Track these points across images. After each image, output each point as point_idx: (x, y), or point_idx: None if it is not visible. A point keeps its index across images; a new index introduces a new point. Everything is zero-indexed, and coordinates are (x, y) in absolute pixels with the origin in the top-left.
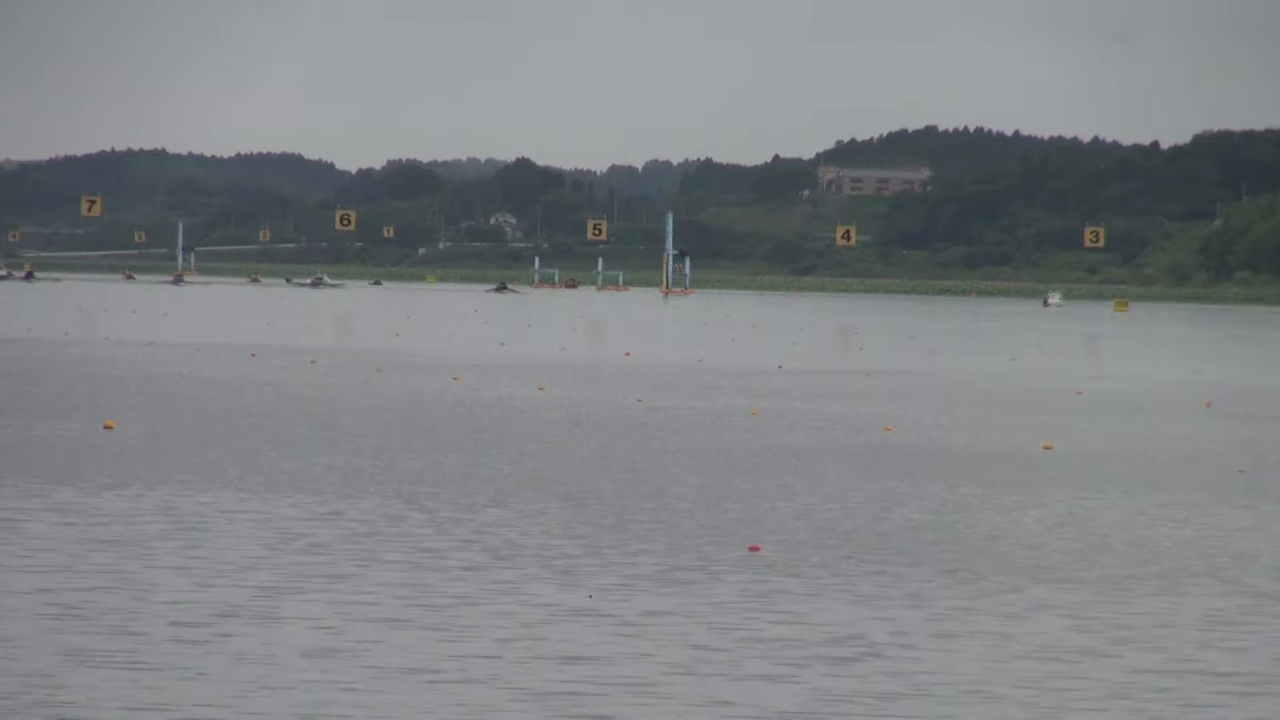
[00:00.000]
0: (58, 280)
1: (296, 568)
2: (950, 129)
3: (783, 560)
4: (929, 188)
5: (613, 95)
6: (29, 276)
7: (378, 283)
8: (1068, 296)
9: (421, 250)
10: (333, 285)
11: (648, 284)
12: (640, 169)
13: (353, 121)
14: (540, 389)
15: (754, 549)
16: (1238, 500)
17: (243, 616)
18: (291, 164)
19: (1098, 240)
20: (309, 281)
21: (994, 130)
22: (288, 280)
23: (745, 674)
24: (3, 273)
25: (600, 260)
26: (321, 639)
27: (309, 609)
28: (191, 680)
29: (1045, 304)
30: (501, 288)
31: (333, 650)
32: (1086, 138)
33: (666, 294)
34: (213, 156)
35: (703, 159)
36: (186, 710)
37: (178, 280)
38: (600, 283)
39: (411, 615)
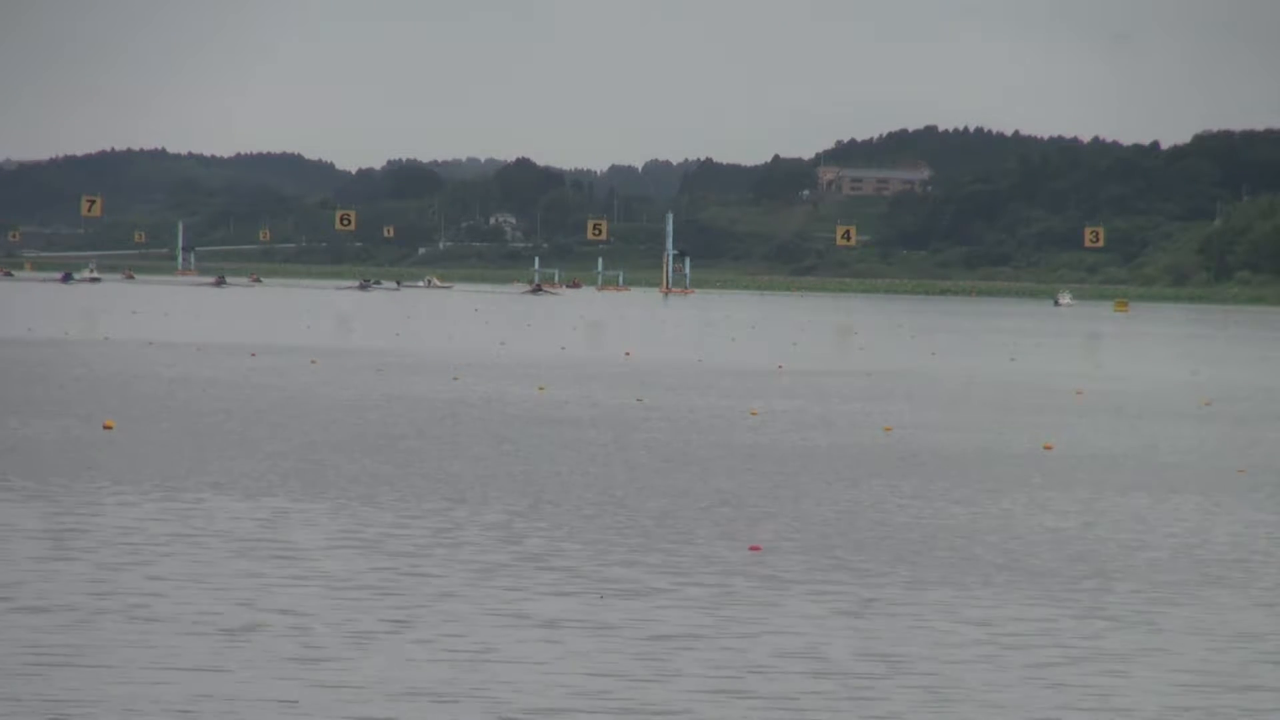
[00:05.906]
0: (60, 280)
1: (289, 570)
2: (950, 129)
3: (783, 560)
4: (929, 188)
5: (613, 95)
6: (67, 278)
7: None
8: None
9: (421, 250)
10: (443, 287)
11: (648, 284)
12: (640, 169)
13: (353, 121)
14: (540, 389)
15: (754, 549)
16: (1238, 500)
17: (238, 622)
18: (291, 164)
19: (1098, 240)
20: (423, 283)
21: (994, 130)
22: (398, 283)
23: (744, 674)
24: (96, 275)
25: (600, 260)
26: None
27: (303, 614)
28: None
29: (1056, 304)
30: (537, 289)
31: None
32: (1086, 138)
33: (666, 294)
34: (213, 156)
35: (703, 159)
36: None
37: (219, 282)
38: (600, 283)
39: (401, 617)
